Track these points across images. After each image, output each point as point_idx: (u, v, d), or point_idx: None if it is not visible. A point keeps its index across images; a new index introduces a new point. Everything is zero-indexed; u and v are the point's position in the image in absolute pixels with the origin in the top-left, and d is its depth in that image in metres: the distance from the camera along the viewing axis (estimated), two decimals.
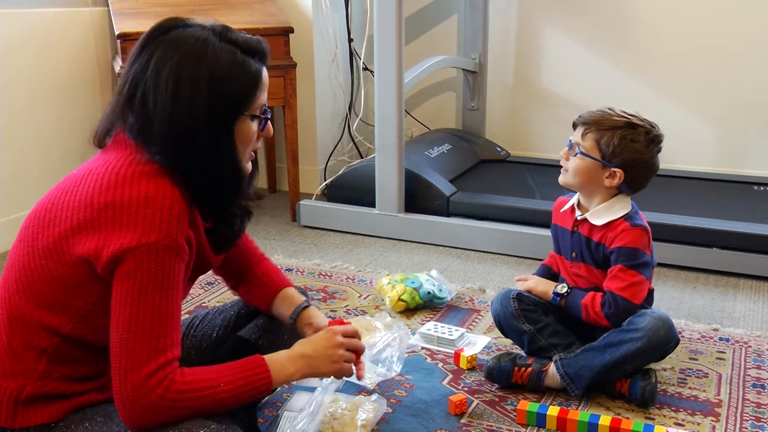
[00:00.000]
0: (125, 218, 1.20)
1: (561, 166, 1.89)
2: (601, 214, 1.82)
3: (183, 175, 1.27)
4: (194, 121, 1.25)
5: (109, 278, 1.21)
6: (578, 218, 1.86)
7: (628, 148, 1.77)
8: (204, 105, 1.24)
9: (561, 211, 1.93)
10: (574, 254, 1.88)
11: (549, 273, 2.01)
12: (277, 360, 1.34)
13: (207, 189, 1.30)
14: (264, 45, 1.33)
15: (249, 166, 1.37)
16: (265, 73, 1.33)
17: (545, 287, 1.90)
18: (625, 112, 1.80)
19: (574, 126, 1.85)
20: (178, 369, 1.22)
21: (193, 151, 1.26)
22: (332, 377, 1.50)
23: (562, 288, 1.87)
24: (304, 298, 1.61)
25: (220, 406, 1.24)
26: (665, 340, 1.75)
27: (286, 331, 1.61)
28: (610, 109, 1.81)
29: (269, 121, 1.36)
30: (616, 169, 1.78)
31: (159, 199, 1.21)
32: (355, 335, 1.48)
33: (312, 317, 1.56)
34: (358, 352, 1.48)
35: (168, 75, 1.23)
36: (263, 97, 1.33)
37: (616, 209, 1.81)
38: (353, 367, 1.47)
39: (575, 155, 1.82)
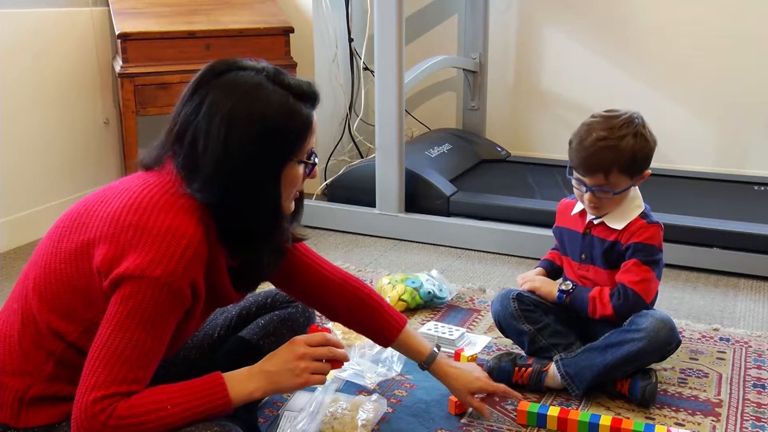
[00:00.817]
0: (141, 244, 1.20)
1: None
2: (620, 217, 1.82)
3: (218, 214, 1.27)
4: (242, 167, 1.25)
5: (110, 295, 1.21)
6: (595, 222, 1.85)
7: (647, 150, 1.77)
8: (254, 152, 1.24)
9: (571, 214, 1.91)
10: (583, 256, 1.88)
11: (552, 267, 2.02)
12: (237, 378, 1.29)
13: (242, 229, 1.29)
14: (315, 88, 1.32)
15: (291, 205, 1.37)
16: (315, 118, 1.32)
17: (550, 287, 1.90)
18: (615, 126, 1.75)
19: (583, 171, 1.78)
20: (124, 399, 1.18)
21: (237, 193, 1.26)
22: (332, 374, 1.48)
23: (567, 285, 1.87)
24: (425, 347, 1.66)
25: (172, 427, 1.21)
26: (667, 341, 1.75)
27: (288, 332, 1.61)
28: (602, 131, 1.74)
29: (316, 165, 1.36)
30: (645, 172, 1.80)
31: (178, 236, 1.21)
32: (324, 343, 1.38)
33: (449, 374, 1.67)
34: (334, 360, 1.40)
35: (220, 121, 1.23)
36: (312, 141, 1.32)
37: (632, 208, 1.82)
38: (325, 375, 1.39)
39: (611, 197, 1.78)
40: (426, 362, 1.65)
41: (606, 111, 1.80)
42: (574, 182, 1.83)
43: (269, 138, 1.25)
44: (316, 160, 1.35)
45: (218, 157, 1.24)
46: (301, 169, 1.32)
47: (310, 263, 1.58)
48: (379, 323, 1.62)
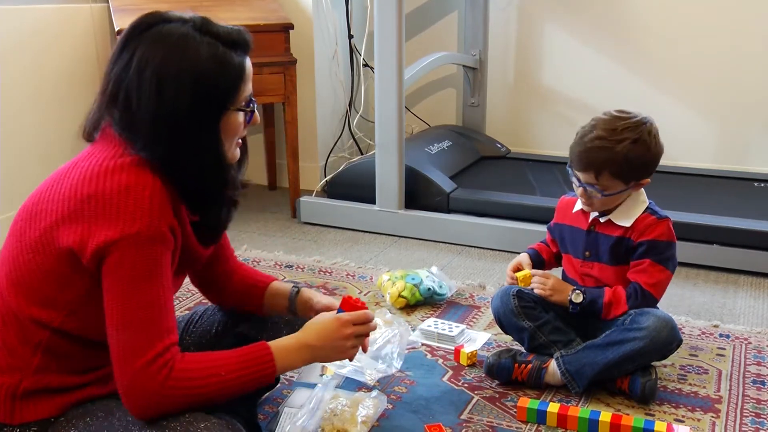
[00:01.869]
0: (107, 209, 1.20)
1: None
2: (626, 213, 1.81)
3: (168, 169, 1.26)
4: (179, 120, 1.24)
5: (96, 271, 1.21)
6: (601, 220, 1.84)
7: (646, 158, 1.75)
8: (188, 103, 1.23)
9: (573, 212, 1.90)
10: (587, 253, 1.87)
11: (538, 258, 2.00)
12: (282, 347, 1.32)
13: (192, 182, 1.29)
14: (245, 35, 1.31)
15: (237, 153, 1.36)
16: (248, 64, 1.31)
17: (561, 297, 1.84)
18: (618, 128, 1.73)
19: (575, 166, 1.78)
20: (178, 354, 1.22)
21: (179, 147, 1.25)
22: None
23: (578, 296, 1.83)
24: (291, 286, 1.59)
25: (222, 394, 1.24)
26: (668, 340, 1.75)
27: (285, 327, 1.61)
28: (603, 130, 1.73)
29: (255, 111, 1.35)
30: (643, 180, 1.79)
31: (139, 189, 1.21)
32: (366, 320, 1.42)
33: (309, 298, 1.56)
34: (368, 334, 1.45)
35: (150, 75, 1.23)
36: (248, 89, 1.31)
37: (638, 204, 1.82)
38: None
39: (600, 197, 1.78)
40: (291, 298, 1.57)
41: (618, 111, 1.78)
42: (569, 173, 1.83)
43: (202, 88, 1.24)
44: (255, 106, 1.34)
45: (153, 111, 1.23)
46: (240, 117, 1.31)
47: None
48: (246, 285, 1.60)
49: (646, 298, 1.79)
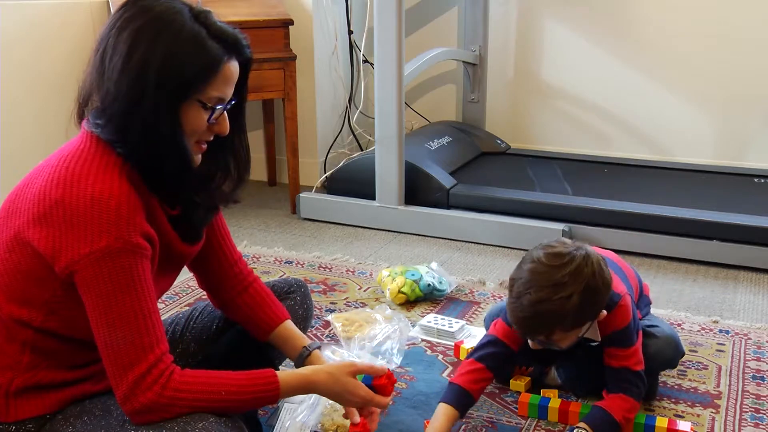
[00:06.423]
0: (74, 221, 1.18)
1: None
2: (591, 330, 1.59)
3: (129, 155, 1.24)
4: (141, 88, 1.21)
5: (69, 281, 1.20)
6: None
7: (599, 300, 1.52)
8: (153, 75, 1.21)
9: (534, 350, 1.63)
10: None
11: (464, 402, 1.63)
12: (290, 384, 1.33)
13: (151, 166, 1.25)
14: (239, 38, 1.28)
15: (198, 158, 1.32)
16: (231, 67, 1.27)
17: None
18: (559, 282, 1.46)
19: (520, 332, 1.56)
20: (174, 367, 1.22)
21: (135, 119, 1.22)
22: None
23: None
24: (305, 340, 1.55)
25: (219, 411, 1.24)
26: (672, 357, 1.75)
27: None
28: (542, 290, 1.46)
29: (221, 115, 1.29)
30: (600, 315, 1.56)
31: (105, 200, 1.18)
32: (381, 405, 1.44)
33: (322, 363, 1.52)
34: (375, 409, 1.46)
35: (127, 36, 1.21)
36: (222, 90, 1.27)
37: None
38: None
39: (559, 347, 1.57)
40: (300, 358, 1.54)
41: (550, 254, 1.50)
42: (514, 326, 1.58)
43: (168, 64, 1.21)
44: (223, 110, 1.29)
45: (119, 71, 1.21)
46: (202, 114, 1.26)
47: (220, 240, 1.54)
48: (260, 314, 1.57)
49: (642, 378, 1.61)
